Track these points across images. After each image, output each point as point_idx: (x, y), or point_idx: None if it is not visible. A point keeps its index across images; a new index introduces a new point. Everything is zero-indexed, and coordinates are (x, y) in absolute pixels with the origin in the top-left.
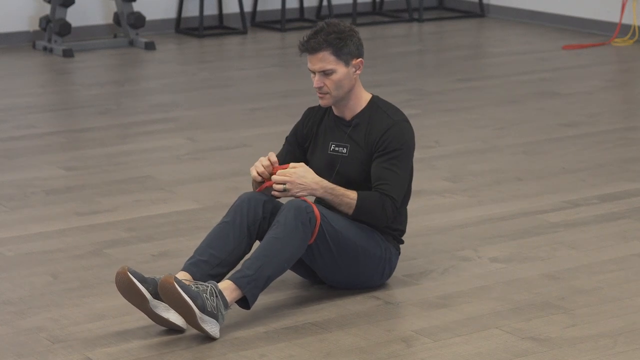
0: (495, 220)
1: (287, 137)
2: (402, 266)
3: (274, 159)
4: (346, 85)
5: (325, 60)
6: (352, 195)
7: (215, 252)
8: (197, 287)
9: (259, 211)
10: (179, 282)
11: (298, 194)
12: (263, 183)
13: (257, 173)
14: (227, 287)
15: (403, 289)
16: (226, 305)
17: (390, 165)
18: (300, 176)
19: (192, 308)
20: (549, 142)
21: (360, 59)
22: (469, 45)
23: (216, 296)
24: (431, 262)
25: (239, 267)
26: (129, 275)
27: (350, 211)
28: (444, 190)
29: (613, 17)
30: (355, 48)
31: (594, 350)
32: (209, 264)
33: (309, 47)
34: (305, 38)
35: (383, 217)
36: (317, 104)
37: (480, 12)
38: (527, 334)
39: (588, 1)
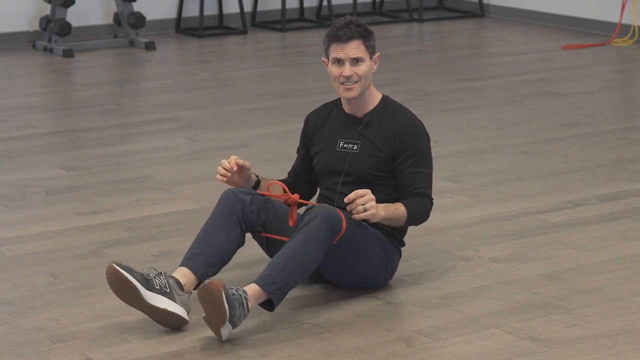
0: (495, 220)
1: (297, 149)
2: (402, 266)
3: (240, 162)
4: (369, 78)
5: (358, 48)
6: (401, 207)
7: (211, 244)
8: (233, 293)
9: (247, 202)
10: (226, 289)
11: (375, 218)
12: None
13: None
14: (254, 293)
15: (403, 289)
16: (245, 315)
17: (417, 168)
18: (370, 197)
19: (226, 317)
20: (549, 142)
21: (378, 54)
22: (469, 45)
23: (244, 307)
24: (431, 262)
25: (267, 270)
26: (116, 268)
27: (403, 222)
28: (444, 190)
29: (613, 17)
30: (374, 43)
31: (594, 350)
32: (206, 255)
33: (344, 36)
34: (334, 30)
35: (426, 218)
36: (316, 108)
37: (480, 12)
38: (527, 334)
39: (588, 1)
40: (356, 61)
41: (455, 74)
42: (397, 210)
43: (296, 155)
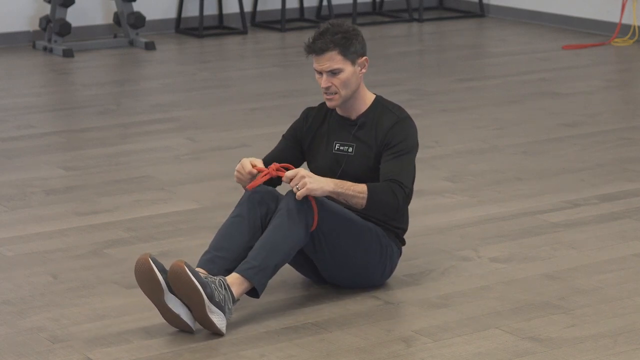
0: (495, 220)
1: (283, 135)
2: (402, 266)
3: (254, 164)
4: (353, 84)
5: (333, 59)
6: (361, 187)
7: (232, 247)
8: (206, 277)
9: (272, 205)
10: (189, 267)
11: (313, 187)
12: (254, 179)
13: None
14: (234, 280)
15: (403, 289)
16: (233, 300)
17: (395, 158)
18: (307, 173)
19: (201, 295)
20: (549, 142)
21: (365, 57)
22: (469, 45)
23: (225, 289)
24: (431, 262)
25: (246, 259)
26: (150, 262)
27: (363, 202)
28: (444, 190)
29: (613, 17)
30: (360, 47)
31: (594, 350)
32: (227, 259)
33: (317, 48)
34: (311, 40)
35: (395, 203)
36: (317, 104)
37: (480, 12)
38: (527, 334)
39: (588, 1)
40: (332, 73)
41: (455, 74)
42: (354, 187)
43: (280, 140)
